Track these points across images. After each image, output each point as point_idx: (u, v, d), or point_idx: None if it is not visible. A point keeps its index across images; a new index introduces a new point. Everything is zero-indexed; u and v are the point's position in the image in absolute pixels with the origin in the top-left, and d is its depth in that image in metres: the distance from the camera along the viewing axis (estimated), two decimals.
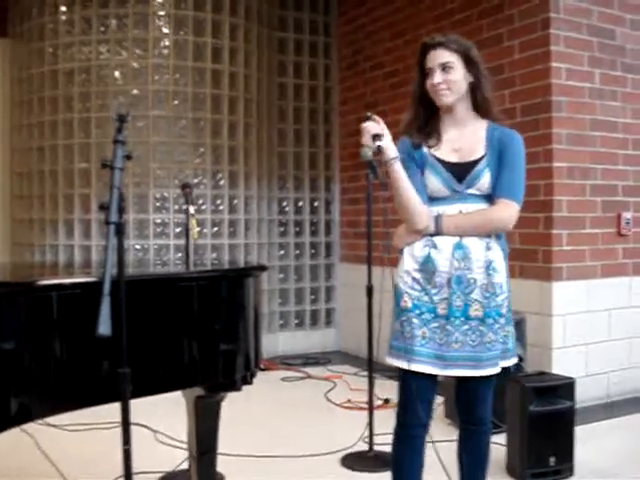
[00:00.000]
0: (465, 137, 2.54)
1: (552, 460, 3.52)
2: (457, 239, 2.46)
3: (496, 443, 4.02)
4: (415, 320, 2.45)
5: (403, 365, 2.46)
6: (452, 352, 2.44)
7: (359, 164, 6.72)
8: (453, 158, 2.52)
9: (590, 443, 3.91)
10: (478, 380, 2.52)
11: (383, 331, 2.81)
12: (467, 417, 2.67)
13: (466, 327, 2.44)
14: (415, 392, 2.47)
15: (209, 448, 2.62)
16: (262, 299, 3.14)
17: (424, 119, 2.59)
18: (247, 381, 2.59)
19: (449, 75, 2.49)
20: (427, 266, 2.46)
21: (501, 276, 2.51)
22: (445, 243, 2.47)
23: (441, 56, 2.51)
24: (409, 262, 2.51)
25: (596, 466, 3.70)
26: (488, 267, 2.47)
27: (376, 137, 2.38)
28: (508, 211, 2.50)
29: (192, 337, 2.38)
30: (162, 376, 2.30)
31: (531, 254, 4.93)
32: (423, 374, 2.45)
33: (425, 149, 2.53)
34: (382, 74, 6.37)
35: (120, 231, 1.82)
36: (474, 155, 2.52)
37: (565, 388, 3.65)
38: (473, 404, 2.63)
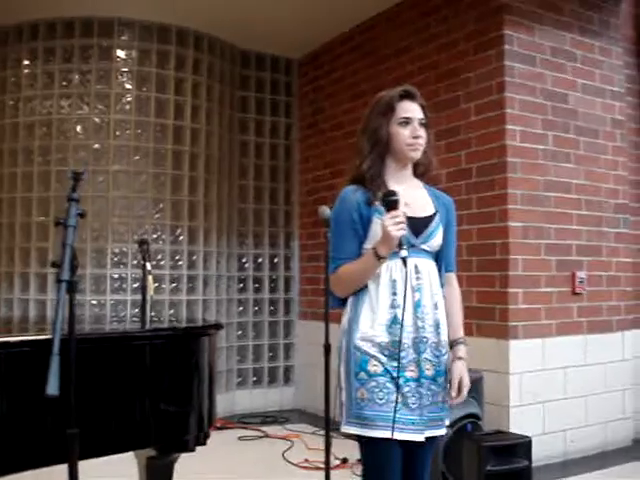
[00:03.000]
0: (411, 193, 2.46)
1: None
2: (417, 297, 2.39)
3: None
4: (389, 384, 2.33)
5: (382, 434, 2.30)
6: (424, 416, 2.36)
7: (318, 221, 6.72)
8: (407, 212, 2.37)
9: None
10: (430, 443, 2.44)
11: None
12: None
13: (426, 388, 2.38)
14: (390, 460, 2.36)
15: None
16: (217, 358, 3.10)
17: (378, 170, 2.48)
18: (200, 442, 2.54)
19: (422, 132, 2.48)
20: (394, 328, 2.34)
21: (445, 335, 2.48)
22: (408, 303, 2.36)
23: (418, 111, 2.49)
24: (372, 324, 2.37)
25: None
26: (437, 326, 2.43)
27: (402, 238, 2.27)
28: (457, 284, 2.61)
29: (144, 397, 2.33)
30: (112, 437, 2.25)
31: (488, 312, 4.98)
32: (395, 441, 2.32)
33: (377, 204, 2.40)
34: (342, 134, 6.47)
35: (72, 289, 1.80)
36: (425, 211, 2.49)
37: (522, 447, 3.67)
38: (422, 468, 2.49)
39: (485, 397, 4.65)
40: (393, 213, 2.30)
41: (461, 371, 2.45)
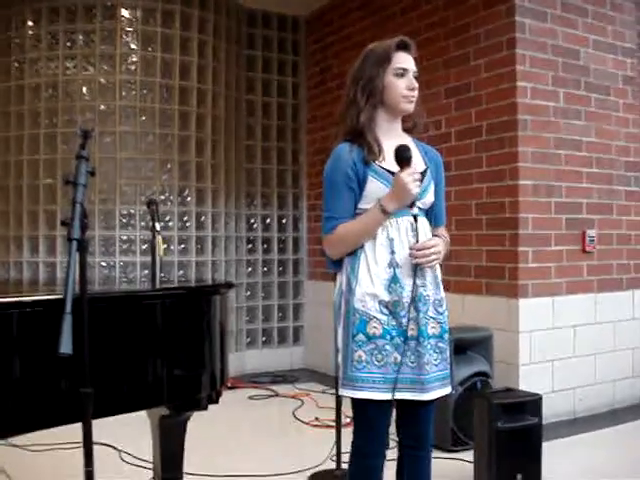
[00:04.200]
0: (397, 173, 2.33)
1: (519, 477, 3.51)
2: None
3: (463, 460, 4.06)
4: (387, 347, 2.31)
5: (381, 397, 2.31)
6: (426, 375, 2.34)
7: None
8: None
9: (556, 459, 3.92)
10: (432, 401, 2.42)
11: None
12: (415, 442, 2.49)
13: (430, 347, 2.36)
14: (383, 420, 2.38)
15: (174, 468, 2.58)
16: (229, 317, 3.11)
17: (371, 122, 2.40)
18: (213, 400, 2.55)
19: (416, 84, 2.42)
20: (395, 287, 2.32)
21: (443, 292, 2.46)
22: (405, 260, 2.33)
23: (413, 63, 2.43)
24: (372, 284, 2.33)
25: None
26: (437, 283, 2.42)
27: (417, 198, 2.29)
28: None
29: (156, 356, 2.34)
30: (125, 396, 2.26)
31: (497, 271, 4.96)
32: (388, 401, 2.34)
33: (373, 163, 2.35)
34: None
35: (83, 248, 1.80)
36: (418, 168, 2.41)
37: (532, 404, 3.66)
38: (425, 427, 2.49)
39: (495, 355, 4.66)
40: (409, 170, 2.27)
41: (434, 237, 2.41)
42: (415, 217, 2.30)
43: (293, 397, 5.79)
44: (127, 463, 3.98)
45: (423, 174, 2.41)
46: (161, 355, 2.35)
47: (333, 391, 5.76)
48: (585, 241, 5.16)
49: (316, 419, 5.02)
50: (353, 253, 2.39)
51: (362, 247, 2.37)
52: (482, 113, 5.10)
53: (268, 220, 7.11)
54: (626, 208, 5.45)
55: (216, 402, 2.59)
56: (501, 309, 4.91)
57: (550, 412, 4.66)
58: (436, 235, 2.46)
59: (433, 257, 2.35)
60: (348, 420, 4.69)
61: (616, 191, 5.38)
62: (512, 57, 4.85)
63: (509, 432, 3.53)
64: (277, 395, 5.91)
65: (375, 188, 2.34)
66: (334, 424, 4.77)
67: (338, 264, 2.45)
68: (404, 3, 5.80)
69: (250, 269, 6.99)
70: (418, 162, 2.45)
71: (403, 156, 2.28)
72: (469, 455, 3.77)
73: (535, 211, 4.92)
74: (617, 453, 4.35)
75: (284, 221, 7.21)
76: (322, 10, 6.94)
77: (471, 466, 3.71)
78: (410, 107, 2.42)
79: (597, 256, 5.25)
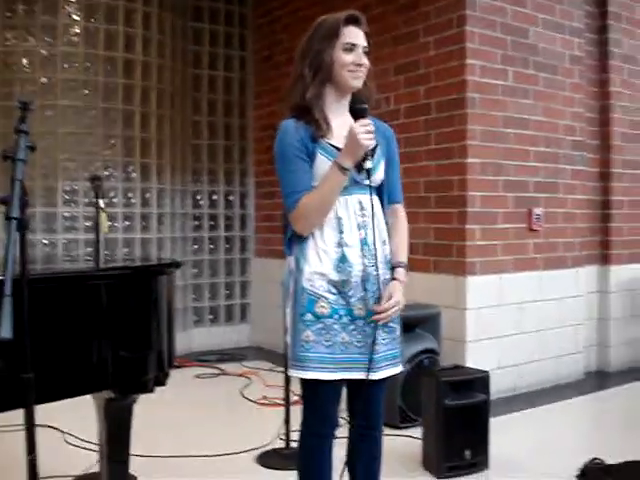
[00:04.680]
0: (350, 125, 2.26)
1: (467, 453, 3.56)
2: (362, 235, 2.32)
3: (411, 437, 4.08)
4: (335, 326, 2.29)
5: (330, 377, 2.28)
6: (373, 354, 2.31)
7: (274, 157, 6.65)
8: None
9: (502, 435, 3.96)
10: (382, 381, 2.40)
11: None
12: (365, 421, 2.47)
13: (377, 326, 2.32)
14: (333, 400, 2.37)
15: (121, 451, 2.51)
16: (175, 297, 3.04)
17: (318, 98, 2.33)
18: (160, 382, 2.49)
19: (366, 60, 2.35)
20: (343, 266, 2.29)
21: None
22: (354, 240, 2.30)
23: (363, 38, 2.36)
24: (320, 263, 2.29)
25: (509, 458, 3.75)
26: (387, 263, 2.39)
27: (369, 153, 2.22)
28: (405, 215, 2.52)
29: (101, 338, 2.26)
30: (69, 380, 2.18)
31: (445, 249, 4.98)
32: (337, 381, 2.32)
33: (321, 139, 2.29)
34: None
35: (23, 227, 1.71)
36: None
37: (480, 381, 3.69)
38: (375, 406, 2.48)
39: (443, 333, 4.69)
40: (363, 121, 2.22)
41: (390, 289, 2.33)
42: (368, 171, 2.24)
43: (241, 375, 5.75)
44: (72, 445, 3.89)
45: (373, 151, 2.35)
46: (106, 338, 2.27)
47: (281, 369, 5.73)
48: (532, 219, 5.21)
49: (264, 398, 5.00)
50: (298, 235, 2.35)
51: None
52: (431, 91, 5.08)
53: (215, 197, 7.01)
54: (571, 187, 5.51)
55: (163, 384, 2.53)
56: (449, 287, 4.93)
57: (496, 388, 4.67)
58: (394, 278, 2.39)
59: (395, 311, 2.33)
60: (296, 398, 4.69)
61: (562, 170, 5.44)
62: (462, 35, 4.84)
63: (457, 409, 3.56)
64: (224, 373, 5.86)
65: (324, 165, 2.28)
66: (282, 403, 4.78)
67: (296, 246, 2.38)
68: None
69: (196, 246, 6.90)
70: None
71: (357, 108, 2.25)
72: (417, 432, 3.79)
73: (483, 189, 4.94)
74: (561, 429, 4.44)
75: (231, 198, 7.12)
76: None
77: (419, 442, 3.74)
78: (357, 83, 2.35)
79: (543, 234, 5.31)
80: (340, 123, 2.33)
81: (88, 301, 2.24)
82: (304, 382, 2.36)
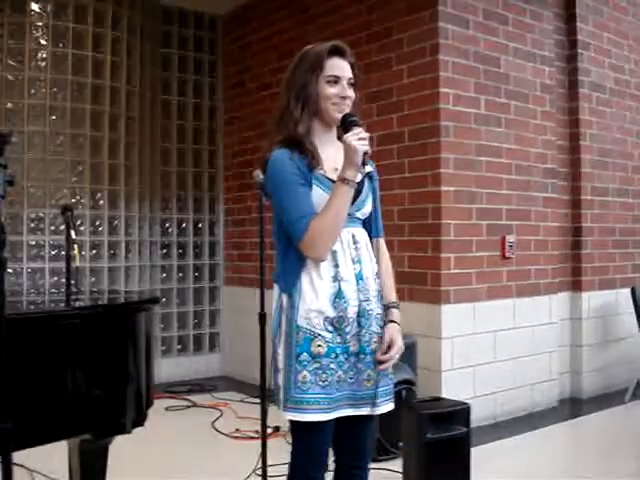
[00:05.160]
0: (339, 156, 2.24)
1: None
2: (358, 269, 2.28)
3: (389, 470, 4.00)
4: (332, 365, 2.21)
5: (327, 417, 2.21)
6: (364, 390, 2.26)
7: (244, 185, 6.60)
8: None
9: (481, 466, 3.89)
10: (372, 418, 2.35)
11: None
12: (353, 460, 2.41)
13: (370, 362, 2.27)
14: (326, 441, 2.29)
15: None
16: (154, 335, 2.94)
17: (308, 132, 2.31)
18: (138, 423, 2.39)
19: (351, 92, 2.32)
20: (339, 302, 2.22)
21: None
22: (349, 274, 2.25)
23: (348, 69, 2.32)
24: (316, 299, 2.21)
25: None
26: (380, 297, 2.33)
27: (365, 155, 2.17)
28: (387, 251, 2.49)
29: (76, 381, 2.13)
30: (45, 426, 2.06)
31: (419, 277, 4.95)
32: (332, 422, 2.25)
33: (316, 170, 2.25)
34: (269, 94, 6.27)
35: (1, 267, 1.61)
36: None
37: (460, 414, 3.64)
38: (363, 444, 2.42)
39: (418, 362, 4.64)
40: (354, 130, 2.18)
41: (392, 333, 2.30)
42: (369, 175, 2.24)
43: (211, 407, 5.62)
44: None
45: (362, 184, 2.32)
46: (81, 380, 2.15)
47: (252, 400, 5.66)
48: (505, 247, 5.21)
49: (237, 430, 4.88)
50: (291, 269, 2.27)
51: (304, 262, 2.26)
52: (404, 119, 5.07)
53: (184, 224, 6.91)
54: (543, 214, 5.53)
55: (141, 425, 2.42)
56: (423, 315, 4.89)
57: (472, 417, 4.66)
58: (391, 321, 2.35)
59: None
60: (270, 430, 4.61)
61: (534, 197, 5.45)
62: (435, 63, 4.84)
63: (438, 443, 3.50)
64: (195, 405, 5.73)
65: (319, 197, 2.23)
66: (256, 435, 4.68)
67: (289, 281, 2.28)
68: (326, 4, 5.72)
69: (165, 275, 6.78)
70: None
71: (347, 121, 2.22)
72: (395, 465, 3.71)
73: (457, 217, 4.93)
74: (540, 459, 4.41)
75: (200, 225, 7.02)
76: (241, 9, 6.79)
77: (397, 475, 3.66)
78: (341, 116, 2.29)
79: (516, 262, 5.31)
80: (329, 154, 2.29)
81: (62, 341, 2.12)
82: (301, 425, 2.26)
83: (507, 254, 5.23)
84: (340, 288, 2.24)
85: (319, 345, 2.21)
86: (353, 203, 2.27)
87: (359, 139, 2.16)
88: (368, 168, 2.20)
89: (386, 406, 2.35)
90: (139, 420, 2.40)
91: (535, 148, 5.45)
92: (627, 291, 5.90)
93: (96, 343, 2.23)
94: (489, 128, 5.13)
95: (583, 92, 5.94)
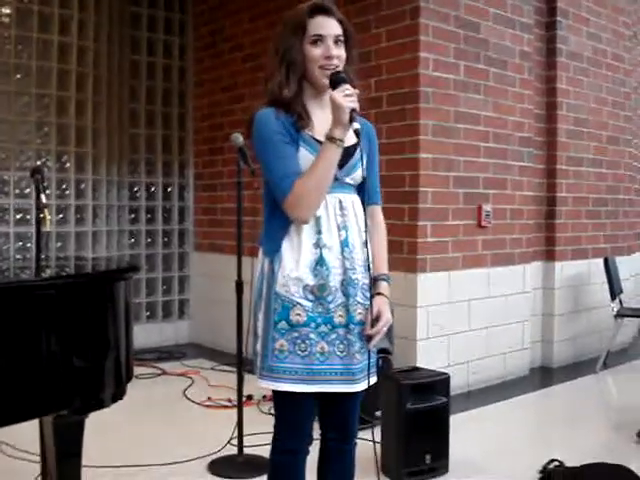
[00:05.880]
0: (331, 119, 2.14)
1: (428, 458, 3.47)
2: (343, 235, 2.19)
3: (365, 439, 3.95)
4: (312, 335, 2.14)
5: (304, 389, 2.14)
6: (357, 364, 2.19)
7: (215, 149, 6.47)
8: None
9: (458, 435, 3.87)
10: (359, 392, 2.28)
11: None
12: (340, 434, 2.36)
13: (359, 334, 2.20)
14: (308, 414, 2.24)
15: (72, 473, 2.30)
16: (133, 304, 2.83)
17: (297, 95, 2.21)
18: (118, 397, 2.29)
19: (340, 50, 2.19)
20: (321, 270, 2.14)
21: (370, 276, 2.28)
22: (333, 241, 2.16)
23: (334, 26, 2.20)
24: (296, 266, 2.15)
25: (468, 460, 3.69)
26: (368, 266, 2.23)
27: (354, 113, 2.06)
28: (383, 218, 2.45)
29: (52, 356, 2.01)
30: (16, 404, 1.95)
31: (396, 245, 4.87)
32: (312, 394, 2.18)
33: (304, 131, 2.17)
34: (242, 56, 6.12)
35: None
36: (348, 141, 2.21)
37: (440, 384, 3.61)
38: (351, 419, 2.37)
39: (394, 332, 4.60)
40: (341, 87, 2.08)
41: (379, 306, 2.22)
42: (357, 132, 2.08)
43: (182, 375, 5.54)
44: (8, 457, 3.63)
45: (353, 148, 2.24)
46: (57, 355, 2.04)
47: (223, 367, 5.59)
48: (481, 216, 5.17)
49: (209, 399, 4.81)
50: (274, 234, 2.19)
51: (287, 227, 2.17)
52: (382, 83, 4.97)
53: (153, 188, 6.74)
54: (519, 183, 5.50)
55: (121, 399, 2.33)
56: (399, 284, 4.81)
57: None
58: (379, 293, 2.27)
59: (385, 331, 2.24)
60: (243, 399, 4.54)
61: (510, 166, 5.41)
62: (415, 27, 4.74)
63: (418, 413, 3.47)
64: (165, 373, 5.63)
65: (305, 159, 2.14)
66: (228, 404, 4.63)
67: (271, 246, 2.21)
68: None
69: (133, 240, 6.62)
70: (349, 136, 2.27)
71: (334, 78, 2.12)
72: (369, 434, 3.66)
73: (434, 185, 4.87)
74: (514, 427, 4.44)
75: (169, 190, 6.86)
76: None
77: (376, 446, 3.61)
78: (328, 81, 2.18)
79: (491, 231, 5.27)
80: (322, 118, 2.18)
81: (38, 313, 2.00)
82: (278, 395, 2.21)
83: (483, 223, 5.19)
84: (322, 255, 2.16)
85: (298, 314, 2.14)
86: (342, 167, 2.20)
87: (346, 96, 2.07)
88: (356, 125, 2.08)
89: (373, 379, 2.29)
90: (118, 394, 2.30)
91: (513, 116, 5.39)
92: (599, 261, 5.93)
93: (73, 315, 2.10)
94: (468, 95, 5.05)
95: (561, 61, 5.89)
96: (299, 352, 2.14)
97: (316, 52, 2.17)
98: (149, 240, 6.73)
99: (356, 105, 2.08)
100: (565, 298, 5.98)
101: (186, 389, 5.12)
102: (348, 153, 2.21)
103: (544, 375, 5.73)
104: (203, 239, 6.79)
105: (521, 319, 5.53)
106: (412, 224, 4.82)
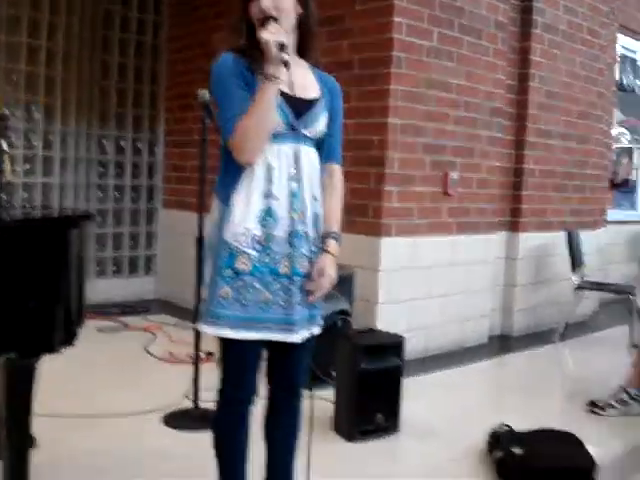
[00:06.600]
0: (293, 73, 2.13)
1: (379, 417, 3.53)
2: (293, 187, 2.19)
3: (321, 398, 4.02)
4: (257, 284, 2.17)
5: (244, 336, 2.17)
6: (296, 315, 2.22)
7: (186, 105, 6.40)
8: (287, 90, 2.17)
9: (411, 398, 3.95)
10: (305, 346, 2.31)
11: None
12: (286, 388, 2.41)
13: (297, 285, 2.23)
14: (251, 364, 2.26)
15: (22, 414, 2.32)
16: (87, 252, 2.83)
17: (251, 42, 2.18)
18: (68, 342, 2.30)
19: (286, 2, 2.17)
20: (268, 221, 2.16)
21: (321, 230, 2.31)
22: (282, 192, 2.17)
23: None
24: (245, 216, 2.16)
25: (419, 421, 3.76)
26: (316, 220, 2.27)
27: (283, 47, 2.06)
28: (342, 178, 2.41)
29: (2, 295, 2.03)
30: None
31: (361, 209, 4.91)
32: (258, 342, 2.22)
33: (260, 74, 2.12)
34: (215, 12, 6.05)
35: None
36: (309, 94, 2.24)
37: (394, 346, 3.67)
38: (296, 372, 2.41)
39: (355, 293, 4.64)
40: (269, 25, 2.10)
41: (323, 262, 2.25)
42: (286, 63, 2.07)
43: (144, 330, 5.55)
44: None
45: (314, 102, 2.25)
46: (8, 294, 2.06)
47: (186, 324, 5.60)
48: (447, 183, 5.20)
49: (170, 354, 4.84)
50: (228, 181, 2.21)
51: (239, 175, 2.18)
52: (355, 47, 4.95)
53: (122, 142, 6.68)
54: (486, 153, 5.53)
55: (71, 344, 2.34)
56: (363, 247, 4.87)
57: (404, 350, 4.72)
58: (325, 250, 2.28)
59: (328, 288, 2.27)
60: (203, 356, 4.57)
61: (478, 136, 5.44)
62: None
63: (371, 373, 3.52)
64: (127, 327, 5.64)
65: None
66: (189, 360, 4.64)
67: (224, 195, 2.22)
68: None
69: (101, 194, 6.57)
70: (312, 88, 2.28)
71: (263, 18, 2.13)
72: (326, 394, 3.72)
73: (402, 151, 4.89)
74: (468, 392, 4.51)
75: (139, 144, 6.81)
76: None
77: (329, 405, 3.68)
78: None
79: (457, 199, 5.31)
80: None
81: None
82: (222, 344, 2.24)
83: (449, 191, 5.23)
84: (270, 206, 2.17)
85: (244, 262, 2.17)
86: (299, 118, 2.20)
87: (271, 32, 2.07)
88: (286, 56, 2.06)
89: (306, 331, 2.29)
90: (68, 339, 2.32)
91: (484, 86, 5.41)
92: (562, 234, 6.01)
93: (22, 258, 2.12)
94: (440, 62, 5.05)
95: (535, 32, 5.89)
96: (242, 300, 2.17)
97: (253, 9, 2.18)
98: (117, 195, 6.69)
99: (283, 39, 2.08)
100: (527, 269, 6.07)
101: (148, 344, 5.14)
102: (307, 106, 2.22)
103: (502, 343, 5.83)
104: (171, 196, 6.77)
105: (482, 287, 5.60)
106: (378, 188, 4.84)
